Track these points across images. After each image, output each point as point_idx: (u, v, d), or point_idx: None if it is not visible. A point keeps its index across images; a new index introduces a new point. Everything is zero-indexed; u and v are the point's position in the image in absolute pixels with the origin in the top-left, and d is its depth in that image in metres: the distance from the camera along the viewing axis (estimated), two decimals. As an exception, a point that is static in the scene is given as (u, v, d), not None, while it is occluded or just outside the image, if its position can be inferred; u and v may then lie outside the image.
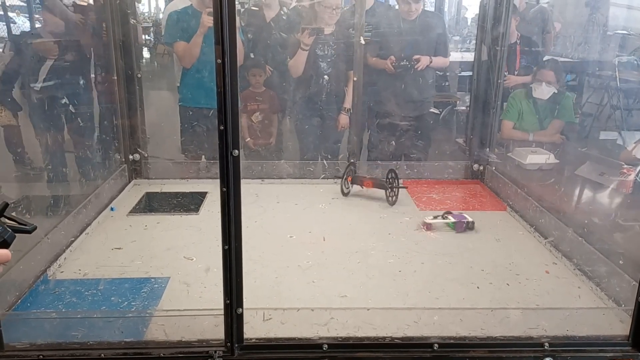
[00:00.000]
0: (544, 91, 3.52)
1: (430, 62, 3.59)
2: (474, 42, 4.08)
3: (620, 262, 2.07)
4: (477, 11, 3.71)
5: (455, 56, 5.08)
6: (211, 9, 3.38)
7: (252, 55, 3.60)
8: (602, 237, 2.27)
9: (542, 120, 3.68)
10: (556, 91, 3.55)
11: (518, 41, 3.91)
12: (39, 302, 2.03)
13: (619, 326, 1.89)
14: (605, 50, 5.43)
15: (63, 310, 1.97)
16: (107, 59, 3.20)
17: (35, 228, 1.26)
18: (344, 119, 3.68)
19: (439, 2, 5.94)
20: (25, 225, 1.22)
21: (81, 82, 3.31)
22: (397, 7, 3.70)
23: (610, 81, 5.35)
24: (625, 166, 2.94)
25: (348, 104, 3.64)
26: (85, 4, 3.51)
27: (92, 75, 3.38)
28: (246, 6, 4.07)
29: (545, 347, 1.75)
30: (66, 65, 3.15)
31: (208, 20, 3.23)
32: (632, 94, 5.44)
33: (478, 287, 2.19)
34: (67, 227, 2.49)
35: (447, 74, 4.79)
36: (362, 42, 3.42)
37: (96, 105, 3.40)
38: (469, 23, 6.49)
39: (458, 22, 6.86)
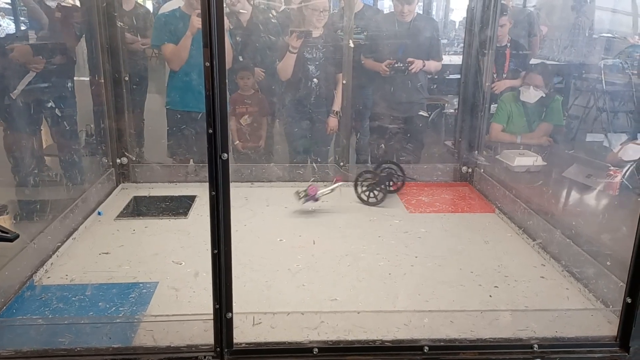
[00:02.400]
0: (531, 95, 3.57)
1: (423, 65, 3.61)
2: (461, 45, 4.10)
3: (608, 263, 2.09)
4: (464, 14, 3.74)
5: (443, 59, 5.10)
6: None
7: (240, 59, 3.60)
8: (590, 238, 2.29)
9: (530, 123, 3.71)
10: (544, 95, 3.59)
11: (508, 44, 3.92)
12: (25, 309, 2.00)
13: (607, 327, 1.91)
14: (591, 53, 5.49)
15: (49, 316, 1.95)
16: (94, 62, 3.18)
17: (17, 236, 1.24)
18: (333, 121, 3.68)
19: (427, 5, 5.97)
20: (6, 233, 1.21)
21: (68, 85, 3.28)
22: (385, 11, 3.71)
23: (596, 84, 5.41)
24: (612, 168, 2.97)
25: (337, 106, 3.65)
26: (70, 4, 3.48)
27: (78, 78, 3.35)
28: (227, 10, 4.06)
29: (535, 349, 1.76)
30: (52, 69, 3.11)
31: (198, 22, 3.21)
32: (618, 97, 5.50)
33: (467, 290, 2.20)
34: (54, 232, 2.46)
35: (436, 77, 4.81)
36: (351, 44, 3.43)
37: (82, 108, 3.37)
38: (456, 26, 6.52)
39: (446, 25, 6.89)
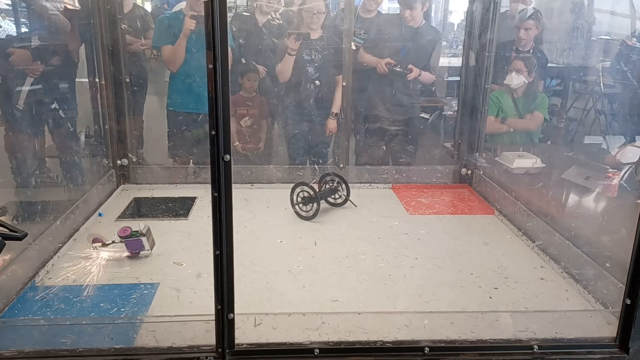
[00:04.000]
0: (513, 79, 3.64)
1: (419, 75, 3.63)
2: (460, 47, 4.11)
3: (607, 264, 2.10)
4: (462, 16, 3.76)
5: (442, 61, 5.12)
6: (194, 13, 3.39)
7: (243, 60, 3.61)
8: (589, 240, 2.30)
9: (520, 115, 3.77)
10: (526, 81, 3.65)
11: (531, 50, 3.90)
12: (26, 309, 2.00)
13: (607, 328, 1.91)
14: (590, 56, 5.51)
15: (51, 317, 1.95)
16: (95, 64, 3.19)
17: (26, 235, 1.26)
18: (332, 123, 3.69)
19: (427, 8, 5.97)
20: (16, 232, 1.22)
21: (68, 86, 3.29)
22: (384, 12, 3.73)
23: (595, 86, 5.43)
24: (610, 170, 2.98)
25: (336, 108, 3.66)
26: (74, 8, 3.49)
27: (81, 80, 3.36)
28: (234, 11, 4.08)
29: (535, 350, 1.77)
30: (55, 71, 3.12)
31: (190, 24, 3.24)
32: (616, 99, 5.52)
33: (467, 291, 2.21)
34: (55, 233, 2.47)
35: (434, 80, 4.83)
36: (353, 47, 3.44)
37: (83, 109, 3.38)
38: (455, 28, 6.54)
39: (444, 27, 6.91)
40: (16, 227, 1.22)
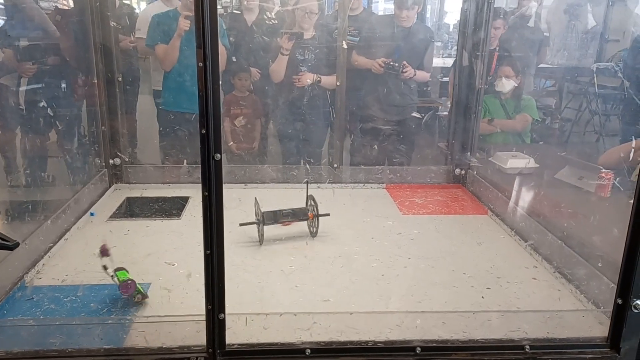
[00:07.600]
0: (504, 85, 3.70)
1: (414, 74, 3.64)
2: (455, 48, 4.12)
3: (599, 264, 2.10)
4: (458, 17, 3.76)
5: (436, 62, 5.13)
6: (188, 13, 3.38)
7: (234, 59, 3.60)
8: (581, 240, 2.30)
9: (509, 117, 3.82)
10: (516, 84, 3.72)
11: (497, 48, 3.95)
12: (16, 310, 1.98)
13: (598, 328, 1.91)
14: (584, 57, 5.53)
15: (41, 317, 1.93)
16: (87, 63, 3.17)
17: (17, 245, 1.24)
18: (309, 76, 3.61)
19: (422, 8, 5.99)
20: (7, 241, 1.20)
21: (61, 85, 3.27)
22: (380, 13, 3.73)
23: (589, 87, 5.45)
24: (603, 170, 2.99)
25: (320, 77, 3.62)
26: (66, 7, 3.48)
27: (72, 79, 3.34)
28: (229, 10, 4.08)
29: (527, 350, 1.77)
30: (45, 69, 3.11)
31: (185, 24, 3.23)
32: (610, 100, 5.55)
33: (459, 291, 2.20)
34: (46, 232, 2.45)
35: (430, 79, 4.84)
36: (345, 46, 3.43)
37: (76, 109, 3.36)
38: (450, 29, 6.55)
39: (440, 28, 6.92)
40: (7, 236, 1.20)
